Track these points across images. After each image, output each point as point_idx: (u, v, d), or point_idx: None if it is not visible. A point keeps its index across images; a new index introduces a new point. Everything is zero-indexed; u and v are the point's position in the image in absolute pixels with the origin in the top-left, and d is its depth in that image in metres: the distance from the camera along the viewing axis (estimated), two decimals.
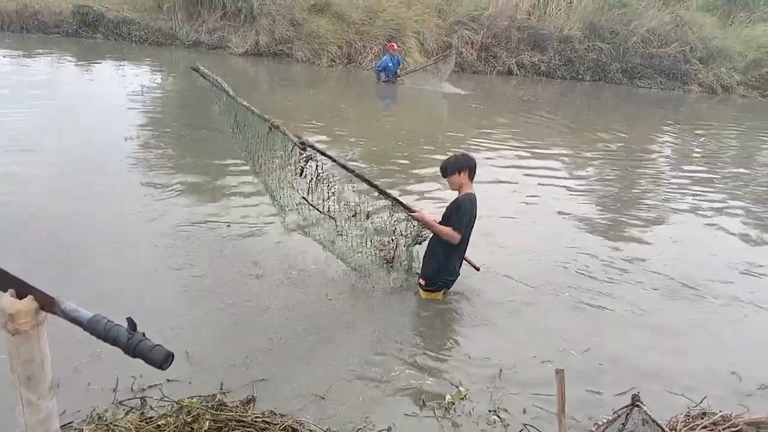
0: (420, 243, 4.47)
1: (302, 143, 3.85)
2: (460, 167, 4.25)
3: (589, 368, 3.85)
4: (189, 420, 2.88)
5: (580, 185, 8.05)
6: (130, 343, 1.18)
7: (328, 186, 4.06)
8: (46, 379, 1.26)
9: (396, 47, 14.69)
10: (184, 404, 3.02)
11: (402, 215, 4.34)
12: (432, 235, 4.38)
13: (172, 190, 6.16)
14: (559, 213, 6.82)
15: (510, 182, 7.73)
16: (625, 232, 6.53)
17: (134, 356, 1.21)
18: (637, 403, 2.73)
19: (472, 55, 18.13)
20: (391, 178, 7.24)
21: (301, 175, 4.01)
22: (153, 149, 7.55)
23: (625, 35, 19.30)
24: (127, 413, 2.99)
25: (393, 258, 4.54)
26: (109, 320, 1.21)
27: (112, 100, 9.99)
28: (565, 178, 8.29)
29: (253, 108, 4.22)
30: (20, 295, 1.21)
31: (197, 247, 4.97)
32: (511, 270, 5.12)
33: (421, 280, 4.49)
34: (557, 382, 2.46)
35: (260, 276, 4.59)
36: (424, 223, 4.29)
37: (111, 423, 2.86)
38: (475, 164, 4.34)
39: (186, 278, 4.46)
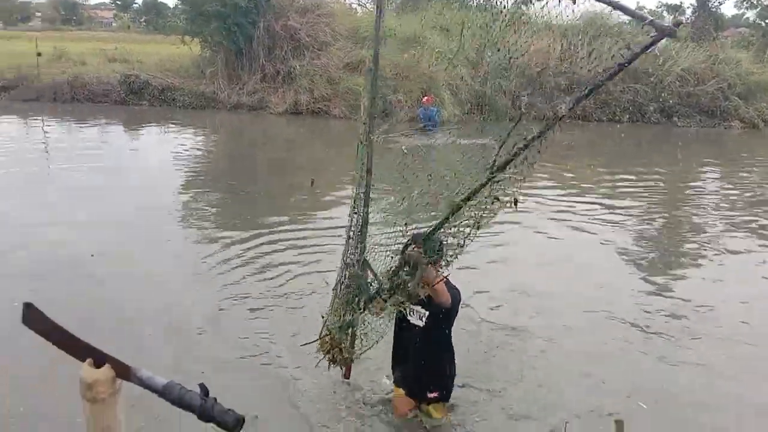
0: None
1: None
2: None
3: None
4: None
5: (622, 224, 7.89)
6: (204, 408, 1.22)
7: None
8: None
9: (427, 100, 14.99)
10: None
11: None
12: (427, 330, 3.25)
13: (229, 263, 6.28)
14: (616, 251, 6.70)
15: (554, 221, 7.63)
16: (672, 273, 6.36)
17: (207, 421, 1.23)
18: None
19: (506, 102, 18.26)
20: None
21: None
22: (201, 208, 7.79)
23: (660, 75, 19.23)
24: None
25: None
26: (182, 386, 1.24)
27: (161, 161, 10.40)
28: (608, 216, 8.12)
29: None
30: (98, 364, 1.26)
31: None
32: (559, 317, 5.02)
33: (431, 394, 3.43)
34: None
35: None
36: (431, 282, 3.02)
37: None
38: None
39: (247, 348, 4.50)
